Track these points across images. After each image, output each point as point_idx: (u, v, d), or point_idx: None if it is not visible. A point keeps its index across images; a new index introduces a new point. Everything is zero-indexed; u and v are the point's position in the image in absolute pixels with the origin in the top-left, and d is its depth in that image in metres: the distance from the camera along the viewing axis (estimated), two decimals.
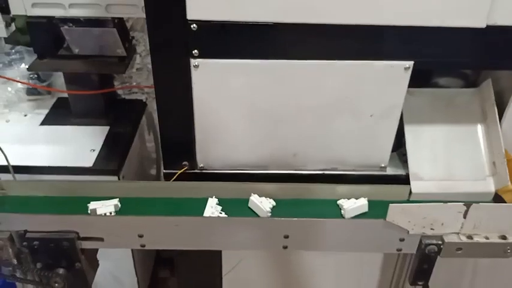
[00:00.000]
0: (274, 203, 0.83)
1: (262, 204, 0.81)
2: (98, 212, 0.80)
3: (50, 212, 0.81)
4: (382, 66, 0.77)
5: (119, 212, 0.82)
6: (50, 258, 0.80)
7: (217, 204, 0.82)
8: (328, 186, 0.84)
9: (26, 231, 0.78)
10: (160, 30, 0.72)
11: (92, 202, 0.82)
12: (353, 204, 0.81)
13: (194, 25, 0.71)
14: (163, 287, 1.54)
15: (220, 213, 0.81)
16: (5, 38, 1.16)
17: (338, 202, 0.83)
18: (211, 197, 0.83)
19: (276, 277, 1.07)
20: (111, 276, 1.28)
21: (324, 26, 0.73)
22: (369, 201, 0.83)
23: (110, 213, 0.81)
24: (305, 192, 0.84)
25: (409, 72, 0.77)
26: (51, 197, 0.85)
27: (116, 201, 0.82)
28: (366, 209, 0.82)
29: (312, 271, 1.05)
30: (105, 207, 0.81)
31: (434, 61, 0.78)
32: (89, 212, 0.80)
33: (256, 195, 0.82)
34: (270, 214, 0.81)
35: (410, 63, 0.76)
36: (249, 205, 0.82)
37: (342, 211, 0.82)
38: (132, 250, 1.25)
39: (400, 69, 0.77)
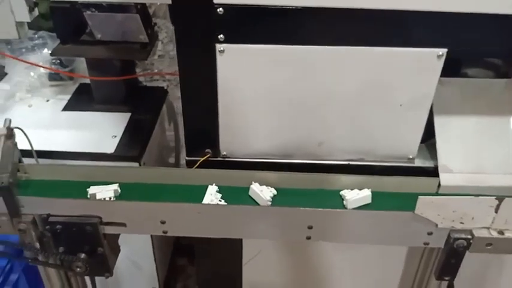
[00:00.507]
0: (275, 192, 0.81)
1: (263, 193, 0.79)
2: (98, 197, 0.79)
3: (74, 196, 0.81)
4: (414, 54, 0.74)
5: (118, 197, 0.81)
6: (73, 243, 0.80)
7: (217, 191, 0.81)
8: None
9: (49, 215, 0.78)
10: (185, 15, 0.71)
11: (91, 187, 0.81)
12: (356, 195, 0.79)
13: (220, 9, 0.70)
14: (181, 275, 1.55)
15: (220, 200, 0.79)
16: (28, 23, 1.16)
17: (341, 193, 0.80)
18: (211, 185, 0.81)
19: (296, 267, 1.06)
20: (130, 262, 1.29)
21: (354, 10, 0.70)
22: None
23: (110, 198, 0.79)
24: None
25: (442, 60, 0.74)
26: (74, 181, 0.85)
27: (115, 186, 0.81)
28: (369, 200, 0.79)
29: (332, 263, 1.03)
30: (105, 191, 0.80)
31: (468, 49, 0.75)
32: (88, 196, 0.80)
33: (257, 184, 0.80)
34: (270, 203, 0.79)
35: (443, 51, 0.74)
36: (250, 193, 0.81)
37: (344, 202, 0.80)
38: (151, 237, 1.26)
39: (433, 57, 0.74)
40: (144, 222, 0.78)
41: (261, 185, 0.80)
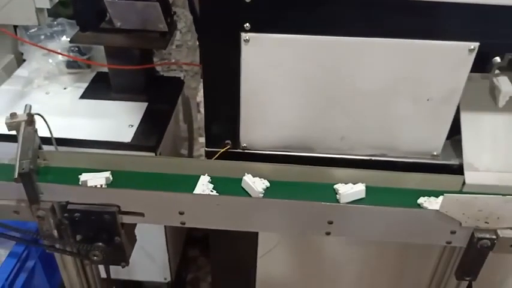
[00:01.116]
0: (268, 184, 0.80)
1: (255, 184, 0.78)
2: (89, 184, 0.79)
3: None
4: (445, 47, 0.72)
5: (110, 184, 0.80)
6: (90, 231, 0.80)
7: (209, 182, 0.80)
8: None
9: (67, 203, 0.78)
10: (212, 2, 0.70)
11: (83, 174, 0.81)
12: (350, 189, 0.77)
13: None
14: (193, 265, 1.55)
15: (212, 191, 0.79)
16: (47, 9, 1.16)
17: (334, 186, 0.79)
18: (204, 175, 0.81)
19: (312, 262, 1.05)
20: (143, 251, 1.29)
21: (385, 1, 0.68)
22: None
23: (101, 185, 0.79)
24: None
25: (474, 54, 0.72)
26: (93, 169, 0.85)
27: (107, 173, 0.80)
28: (363, 195, 0.78)
29: (349, 259, 1.02)
30: (96, 179, 0.79)
31: (501, 43, 0.72)
32: (80, 183, 0.79)
33: (249, 175, 0.79)
34: (262, 195, 0.78)
35: (475, 45, 0.71)
36: (242, 185, 0.80)
37: (338, 196, 0.78)
38: (165, 227, 1.26)
39: (465, 51, 0.72)
40: (163, 213, 0.78)
41: (254, 176, 0.80)
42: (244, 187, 0.80)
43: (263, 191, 0.79)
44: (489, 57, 0.83)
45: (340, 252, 1.02)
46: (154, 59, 1.30)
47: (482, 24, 0.70)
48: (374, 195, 0.79)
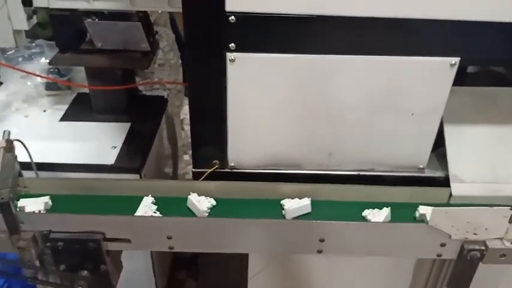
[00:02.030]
0: (214, 203, 0.79)
1: (200, 203, 0.77)
2: (27, 210, 0.76)
3: (76, 211, 0.78)
4: (427, 63, 0.73)
5: (49, 209, 0.78)
6: (74, 260, 0.77)
7: (152, 203, 0.79)
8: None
9: (50, 231, 0.75)
10: (196, 22, 0.69)
11: (21, 199, 0.77)
12: (295, 204, 0.78)
13: (232, 17, 0.68)
14: None
15: (155, 212, 0.78)
16: (25, 31, 1.14)
17: (281, 202, 0.79)
18: (147, 196, 0.80)
19: (303, 282, 1.04)
20: (128, 274, 1.25)
21: (367, 19, 0.69)
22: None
23: (39, 211, 0.76)
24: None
25: (455, 69, 0.74)
26: (76, 195, 0.82)
27: (46, 198, 0.78)
28: (309, 209, 0.78)
29: (340, 276, 1.01)
30: (35, 204, 0.77)
31: (481, 58, 0.75)
32: (17, 209, 0.76)
33: (195, 194, 0.79)
34: (206, 214, 0.78)
35: (456, 60, 0.73)
36: (188, 204, 0.79)
37: (283, 211, 0.78)
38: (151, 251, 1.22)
39: (446, 66, 0.73)
40: (150, 238, 0.76)
41: (199, 195, 0.79)
42: (189, 206, 0.79)
43: (208, 210, 0.78)
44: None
45: (330, 270, 1.01)
46: (137, 79, 1.29)
47: (462, 40, 0.72)
48: (320, 209, 0.79)
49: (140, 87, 1.31)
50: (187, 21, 0.69)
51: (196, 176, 0.84)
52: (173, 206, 0.79)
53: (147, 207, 0.78)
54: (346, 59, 0.73)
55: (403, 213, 0.79)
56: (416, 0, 0.68)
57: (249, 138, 0.81)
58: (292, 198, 0.79)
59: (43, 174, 0.98)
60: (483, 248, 0.75)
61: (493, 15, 0.70)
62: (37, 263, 0.77)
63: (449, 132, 0.84)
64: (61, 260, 0.77)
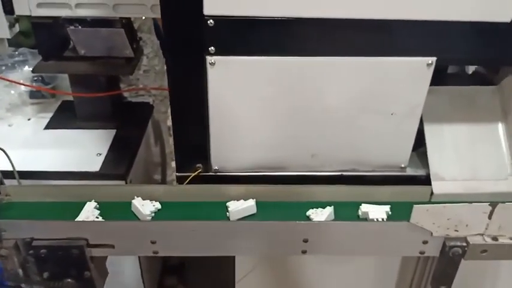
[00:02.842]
0: (159, 206, 0.79)
1: (144, 207, 0.78)
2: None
3: (58, 218, 0.78)
4: (404, 63, 0.74)
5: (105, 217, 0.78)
6: (58, 267, 0.76)
7: (95, 208, 0.79)
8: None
9: (32, 239, 0.74)
10: (175, 27, 0.70)
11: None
12: (240, 206, 0.78)
13: (211, 21, 0.69)
14: None
15: (97, 217, 0.78)
16: (8, 39, 1.13)
17: (227, 204, 0.80)
18: (90, 201, 0.80)
19: (291, 283, 1.04)
20: (117, 282, 1.24)
21: (345, 21, 0.71)
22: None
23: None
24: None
25: (432, 68, 0.75)
26: (59, 202, 0.82)
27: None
28: (254, 210, 0.79)
29: (328, 277, 1.02)
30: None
31: (457, 57, 0.76)
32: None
33: (139, 199, 0.79)
34: (149, 218, 0.78)
35: (432, 59, 0.74)
36: (132, 208, 0.79)
37: (228, 213, 0.79)
38: (139, 256, 1.22)
39: (423, 66, 0.75)
40: (134, 243, 0.75)
41: (144, 199, 0.79)
42: (133, 210, 0.79)
43: (152, 214, 0.78)
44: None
45: (318, 271, 1.01)
46: (122, 85, 1.29)
47: (438, 40, 0.74)
48: (265, 210, 0.79)
49: (125, 94, 1.31)
50: (166, 26, 0.70)
51: (180, 180, 0.84)
52: (117, 211, 0.79)
53: (89, 212, 0.77)
54: (325, 61, 0.74)
55: (347, 211, 0.80)
56: (392, 1, 0.70)
57: (232, 141, 0.81)
58: (238, 200, 0.80)
59: (28, 182, 0.97)
60: (464, 244, 0.76)
61: (468, 15, 0.71)
62: (20, 272, 0.76)
63: (429, 131, 0.85)
64: (44, 268, 0.76)
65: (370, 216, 0.77)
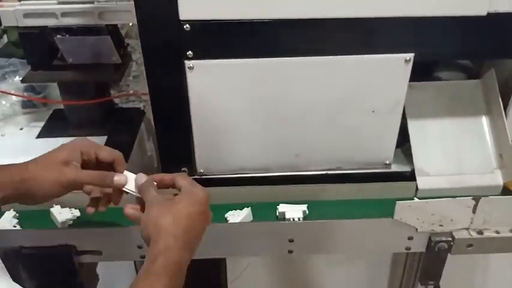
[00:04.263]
0: (78, 214, 0.80)
1: (61, 215, 0.79)
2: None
3: (45, 226, 0.79)
4: (382, 60, 0.75)
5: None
6: (47, 276, 0.78)
7: (14, 217, 0.80)
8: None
9: (21, 247, 0.75)
10: (152, 32, 0.71)
11: None
12: (238, 215, 0.79)
13: (187, 25, 0.69)
14: None
15: (15, 226, 0.78)
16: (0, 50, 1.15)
17: (225, 215, 0.81)
18: (9, 210, 0.81)
19: (284, 281, 1.04)
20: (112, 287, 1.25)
21: (321, 20, 0.71)
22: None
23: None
24: None
25: (410, 64, 0.75)
26: (46, 210, 0.83)
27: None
28: (251, 218, 0.81)
29: (320, 275, 1.02)
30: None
31: (435, 52, 0.76)
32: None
33: (58, 206, 0.80)
34: (66, 225, 0.78)
35: (410, 56, 0.74)
36: (51, 216, 0.80)
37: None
38: (134, 261, 1.22)
39: (401, 62, 0.75)
40: (121, 249, 0.76)
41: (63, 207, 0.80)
42: (52, 218, 0.80)
43: (70, 221, 0.79)
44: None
45: (309, 268, 1.02)
46: (112, 92, 1.29)
47: (415, 36, 0.74)
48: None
49: (116, 100, 1.32)
50: (143, 31, 0.71)
51: None
52: (36, 219, 0.80)
53: (6, 221, 0.78)
54: (303, 61, 0.74)
55: (265, 212, 0.81)
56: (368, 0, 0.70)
57: (216, 144, 0.82)
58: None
59: None
60: (450, 239, 0.76)
61: (444, 10, 0.71)
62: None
63: (413, 127, 0.86)
64: (34, 276, 0.77)
65: (287, 216, 0.78)
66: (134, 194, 0.66)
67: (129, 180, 0.67)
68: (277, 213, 0.80)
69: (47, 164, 0.66)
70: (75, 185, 0.66)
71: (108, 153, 0.68)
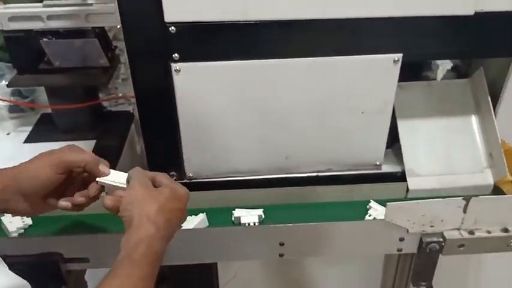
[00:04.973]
0: (30, 222, 0.79)
1: (11, 224, 0.77)
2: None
3: (31, 233, 0.77)
4: (371, 61, 0.74)
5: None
6: (34, 284, 0.76)
7: None
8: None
9: (6, 256, 0.74)
10: (136, 35, 0.70)
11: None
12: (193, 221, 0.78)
13: (172, 28, 0.68)
14: None
15: None
16: None
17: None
18: None
19: (276, 283, 1.03)
20: None
21: (309, 21, 0.70)
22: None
23: None
24: None
25: (399, 65, 0.75)
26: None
27: None
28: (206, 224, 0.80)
29: (312, 276, 1.01)
30: None
31: (423, 52, 0.76)
32: None
33: (9, 215, 0.78)
34: (16, 234, 0.77)
35: (399, 56, 0.74)
36: (1, 225, 0.79)
37: None
38: None
39: (389, 63, 0.74)
40: (107, 256, 0.75)
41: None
42: (3, 227, 0.78)
43: (21, 230, 0.78)
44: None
45: (303, 270, 1.01)
46: (101, 95, 1.28)
47: (403, 36, 0.73)
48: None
49: (105, 103, 1.30)
50: (128, 35, 0.70)
51: None
52: None
53: None
54: (291, 62, 0.74)
55: (220, 216, 0.80)
56: (355, 0, 0.69)
57: (204, 147, 0.81)
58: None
59: None
60: (441, 239, 0.76)
61: (431, 10, 0.71)
62: None
63: (403, 127, 0.85)
64: None
65: (242, 221, 0.78)
66: (114, 184, 0.65)
67: (112, 174, 0.67)
68: (233, 218, 0.80)
69: (36, 158, 0.65)
70: (69, 165, 0.65)
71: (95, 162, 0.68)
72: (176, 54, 0.71)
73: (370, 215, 0.80)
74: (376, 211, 0.80)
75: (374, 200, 0.83)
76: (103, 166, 0.67)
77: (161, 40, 0.69)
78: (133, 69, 0.72)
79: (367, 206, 0.81)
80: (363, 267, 1.00)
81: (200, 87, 0.74)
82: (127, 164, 1.24)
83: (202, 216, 0.79)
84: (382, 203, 0.77)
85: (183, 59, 0.71)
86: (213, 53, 0.72)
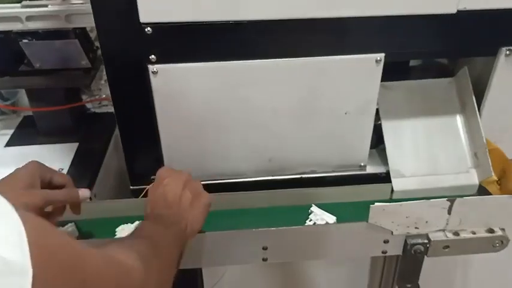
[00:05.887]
0: None
1: None
2: None
3: None
4: (353, 61, 0.73)
5: None
6: None
7: None
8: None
9: None
10: (111, 37, 0.68)
11: None
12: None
13: (148, 28, 0.67)
14: None
15: None
16: None
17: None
18: None
19: (263, 286, 1.02)
20: None
21: (289, 21, 0.69)
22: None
23: None
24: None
25: (381, 64, 0.74)
26: None
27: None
28: None
29: (299, 277, 1.00)
30: None
31: (405, 52, 0.75)
32: None
33: None
34: None
35: (381, 56, 0.73)
36: None
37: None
38: None
39: (372, 62, 0.73)
40: None
41: None
42: None
43: None
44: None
45: (290, 272, 1.00)
46: (84, 97, 1.26)
47: (385, 35, 0.72)
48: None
49: (88, 105, 1.28)
50: (102, 36, 0.68)
51: (135, 194, 0.82)
52: None
53: None
54: (271, 63, 0.72)
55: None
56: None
57: (185, 150, 0.79)
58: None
59: None
60: (426, 241, 0.75)
61: (413, 8, 0.70)
62: None
63: (387, 128, 0.84)
64: None
65: None
66: None
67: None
68: None
69: (9, 192, 0.63)
70: (46, 205, 0.65)
71: (62, 177, 0.69)
72: (153, 56, 0.69)
73: (310, 220, 0.79)
74: (316, 216, 0.78)
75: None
76: (83, 191, 0.70)
77: (137, 41, 0.68)
78: (109, 72, 0.71)
79: (309, 211, 0.80)
80: (350, 268, 0.99)
81: (179, 90, 0.73)
82: (113, 167, 1.23)
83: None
84: (366, 204, 0.76)
85: (160, 60, 0.70)
86: (191, 54, 0.70)
